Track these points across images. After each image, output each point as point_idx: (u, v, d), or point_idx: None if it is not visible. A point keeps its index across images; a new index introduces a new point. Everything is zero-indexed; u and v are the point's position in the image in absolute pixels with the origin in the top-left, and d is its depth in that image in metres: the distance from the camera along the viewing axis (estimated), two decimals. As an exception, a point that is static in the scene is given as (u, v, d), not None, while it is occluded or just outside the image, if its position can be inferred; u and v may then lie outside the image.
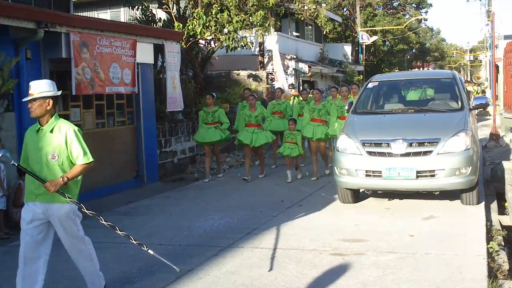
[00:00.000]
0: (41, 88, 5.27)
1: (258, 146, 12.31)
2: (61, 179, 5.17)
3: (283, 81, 19.60)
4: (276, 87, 16.14)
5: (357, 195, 9.51)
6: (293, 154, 11.84)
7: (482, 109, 12.75)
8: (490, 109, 22.79)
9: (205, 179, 12.56)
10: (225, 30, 18.05)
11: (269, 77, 24.53)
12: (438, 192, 9.02)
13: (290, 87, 20.59)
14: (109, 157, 11.35)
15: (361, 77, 33.70)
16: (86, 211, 5.55)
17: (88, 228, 8.37)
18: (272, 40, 25.38)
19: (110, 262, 6.72)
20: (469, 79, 49.26)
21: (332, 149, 11.30)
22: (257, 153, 12.91)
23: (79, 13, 22.24)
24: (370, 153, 8.63)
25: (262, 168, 12.88)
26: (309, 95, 15.28)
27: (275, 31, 23.21)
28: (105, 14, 24.04)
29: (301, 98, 15.54)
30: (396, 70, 44.67)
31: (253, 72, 23.88)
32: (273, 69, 19.63)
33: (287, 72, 25.06)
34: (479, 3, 48.11)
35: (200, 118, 12.62)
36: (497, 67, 25.18)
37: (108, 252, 7.16)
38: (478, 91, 34.08)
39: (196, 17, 17.12)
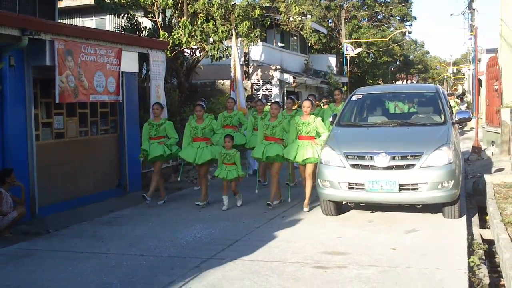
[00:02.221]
0: None
1: (202, 164, 10.65)
2: None
3: (240, 91, 16.99)
4: (229, 97, 14.38)
5: (340, 208, 9.53)
6: (230, 176, 10.18)
7: (464, 123, 12.87)
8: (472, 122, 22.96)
9: (159, 201, 10.94)
10: (211, 40, 18.09)
11: (254, 87, 24.59)
12: (420, 206, 9.06)
13: (253, 100, 16.95)
14: (91, 166, 11.29)
15: (345, 88, 33.83)
16: None
17: (69, 238, 8.38)
18: (257, 51, 25.46)
19: (91, 273, 6.67)
20: (448, 93, 49.61)
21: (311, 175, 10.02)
22: (199, 173, 11.17)
23: (64, 20, 22.25)
24: (353, 165, 8.66)
25: (204, 194, 10.74)
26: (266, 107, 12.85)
27: (260, 41, 23.26)
28: (90, 22, 23.97)
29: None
30: (380, 82, 45.04)
31: (238, 82, 23.87)
32: (232, 77, 17.34)
33: (271, 83, 25.14)
34: (463, 17, 48.57)
35: (144, 131, 11.08)
36: (479, 80, 25.42)
37: (89, 262, 7.10)
38: (459, 106, 34.26)
39: (181, 26, 17.14)
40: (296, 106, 12.74)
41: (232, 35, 17.79)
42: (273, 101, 13.00)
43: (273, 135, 10.20)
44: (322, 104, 13.95)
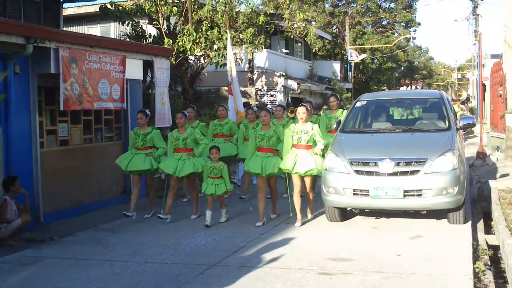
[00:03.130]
0: None
1: (185, 177, 9.96)
2: None
3: (237, 95, 15.92)
4: (220, 105, 13.31)
5: (345, 214, 9.51)
6: (218, 192, 9.50)
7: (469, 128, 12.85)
8: (476, 127, 22.94)
9: (134, 216, 10.25)
10: (215, 47, 18.13)
11: (258, 93, 24.61)
12: (425, 211, 9.04)
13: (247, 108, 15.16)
14: (96, 173, 11.30)
15: (350, 94, 33.88)
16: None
17: (74, 245, 8.39)
18: (261, 57, 25.50)
19: (95, 280, 6.67)
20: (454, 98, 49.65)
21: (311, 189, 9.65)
22: (187, 185, 10.53)
23: (69, 27, 22.33)
24: (357, 172, 8.65)
25: (195, 207, 10.28)
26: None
27: (264, 48, 23.31)
28: (95, 29, 24.06)
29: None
30: (384, 88, 45.04)
31: (242, 89, 23.93)
32: (229, 80, 16.23)
33: (276, 89, 25.17)
34: (467, 23, 48.55)
35: (130, 140, 10.49)
36: (484, 86, 25.38)
37: (93, 270, 7.10)
38: (464, 112, 34.22)
39: (186, 33, 17.19)
40: (293, 114, 12.31)
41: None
42: (263, 108, 11.58)
43: (270, 146, 9.45)
44: (322, 111, 13.84)
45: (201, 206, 10.18)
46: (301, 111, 9.29)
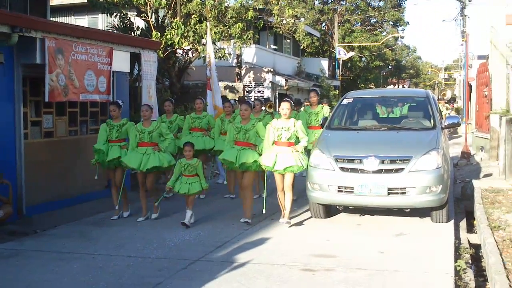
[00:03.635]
0: None
1: (148, 173, 9.46)
2: None
3: (216, 89, 15.41)
4: (197, 97, 12.62)
5: (329, 211, 9.53)
6: (192, 190, 8.99)
7: (454, 128, 12.93)
8: (461, 127, 23.07)
9: (113, 216, 9.78)
10: (203, 41, 18.08)
11: (246, 89, 24.59)
12: (408, 210, 9.07)
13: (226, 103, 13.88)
14: (81, 166, 11.20)
15: (337, 91, 33.93)
16: None
17: (57, 238, 8.34)
18: (250, 53, 25.48)
19: (77, 273, 6.65)
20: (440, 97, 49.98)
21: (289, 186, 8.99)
22: (147, 182, 9.68)
23: (57, 18, 22.15)
24: (342, 169, 8.66)
25: (144, 207, 9.72)
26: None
27: (253, 43, 23.29)
28: (82, 20, 23.91)
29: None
30: (372, 86, 45.18)
31: (230, 84, 23.99)
32: (208, 74, 15.63)
33: (263, 85, 25.16)
34: (455, 24, 48.79)
35: (101, 133, 9.89)
36: (470, 86, 25.51)
37: (76, 263, 7.07)
38: (449, 111, 34.41)
39: (174, 27, 17.13)
40: (271, 109, 12.45)
41: (205, 33, 17.03)
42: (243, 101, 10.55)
43: (246, 139, 9.10)
44: (302, 107, 13.80)
45: (177, 205, 10.07)
46: (285, 107, 8.91)
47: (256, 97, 22.87)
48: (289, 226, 8.81)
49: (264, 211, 9.06)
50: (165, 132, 9.63)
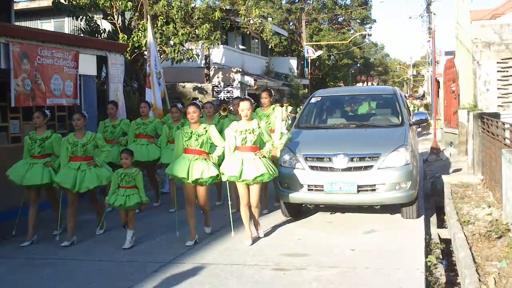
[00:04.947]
0: None
1: (87, 192, 8.35)
2: None
3: (156, 89, 14.04)
4: (142, 101, 11.63)
5: (300, 210, 9.56)
6: (129, 203, 7.92)
7: (423, 124, 13.04)
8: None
9: (24, 242, 8.25)
10: (171, 42, 18.02)
11: (215, 89, 24.55)
12: (379, 206, 9.14)
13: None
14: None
15: (307, 90, 34.07)
16: None
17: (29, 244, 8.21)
18: (218, 53, 25.46)
19: (47, 279, 6.57)
20: (408, 94, 50.53)
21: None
22: (92, 202, 8.81)
23: (22, 23, 21.86)
24: (312, 167, 8.68)
25: (99, 221, 8.88)
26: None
27: (221, 44, 23.26)
28: (48, 24, 23.65)
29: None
30: (341, 84, 45.45)
31: (199, 85, 23.92)
32: (147, 71, 14.31)
33: (232, 85, 25.14)
34: (421, 20, 49.35)
35: (25, 146, 8.56)
36: (438, 82, 25.84)
37: (45, 269, 6.99)
38: (419, 107, 34.86)
39: (141, 29, 17.04)
40: (225, 112, 10.65)
41: (149, 33, 16.09)
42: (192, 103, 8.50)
43: (198, 146, 7.81)
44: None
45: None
46: (245, 106, 7.87)
47: (208, 100, 22.76)
48: (263, 236, 8.16)
49: (233, 234, 8.20)
50: (101, 144, 8.46)
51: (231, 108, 10.86)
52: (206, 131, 7.85)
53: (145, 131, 10.55)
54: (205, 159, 7.81)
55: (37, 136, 8.46)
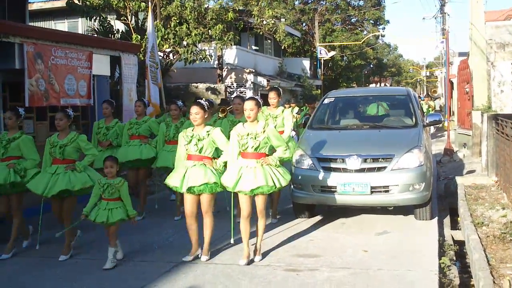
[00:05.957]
0: None
1: (62, 198, 7.45)
2: None
3: (151, 84, 13.53)
4: (137, 100, 10.80)
5: (312, 210, 9.53)
6: (112, 219, 6.96)
7: (437, 125, 12.97)
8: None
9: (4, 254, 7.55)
10: (184, 43, 18.07)
11: (228, 90, 24.57)
12: (392, 208, 9.11)
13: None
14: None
15: (319, 91, 34.02)
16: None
17: (41, 243, 8.24)
18: (231, 54, 25.49)
19: (60, 278, 6.59)
20: (425, 94, 50.30)
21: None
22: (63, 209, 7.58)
23: (36, 23, 21.99)
24: (325, 168, 8.65)
25: (67, 245, 7.53)
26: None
27: (234, 44, 23.29)
28: (62, 24, 23.78)
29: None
30: (354, 85, 45.35)
31: (212, 85, 23.95)
32: (147, 63, 13.84)
33: (245, 86, 25.16)
34: (435, 21, 49.14)
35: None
36: (451, 83, 25.70)
37: (58, 268, 7.02)
38: (435, 107, 34.70)
39: (154, 29, 17.06)
40: (223, 114, 9.99)
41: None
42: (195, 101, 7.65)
43: (197, 151, 6.98)
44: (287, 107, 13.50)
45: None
46: (247, 106, 6.93)
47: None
48: (260, 260, 7.04)
49: (232, 241, 7.52)
50: (85, 147, 7.57)
51: (232, 107, 9.95)
52: (209, 134, 6.99)
53: (138, 131, 9.65)
54: (205, 165, 6.97)
55: (4, 137, 7.65)
